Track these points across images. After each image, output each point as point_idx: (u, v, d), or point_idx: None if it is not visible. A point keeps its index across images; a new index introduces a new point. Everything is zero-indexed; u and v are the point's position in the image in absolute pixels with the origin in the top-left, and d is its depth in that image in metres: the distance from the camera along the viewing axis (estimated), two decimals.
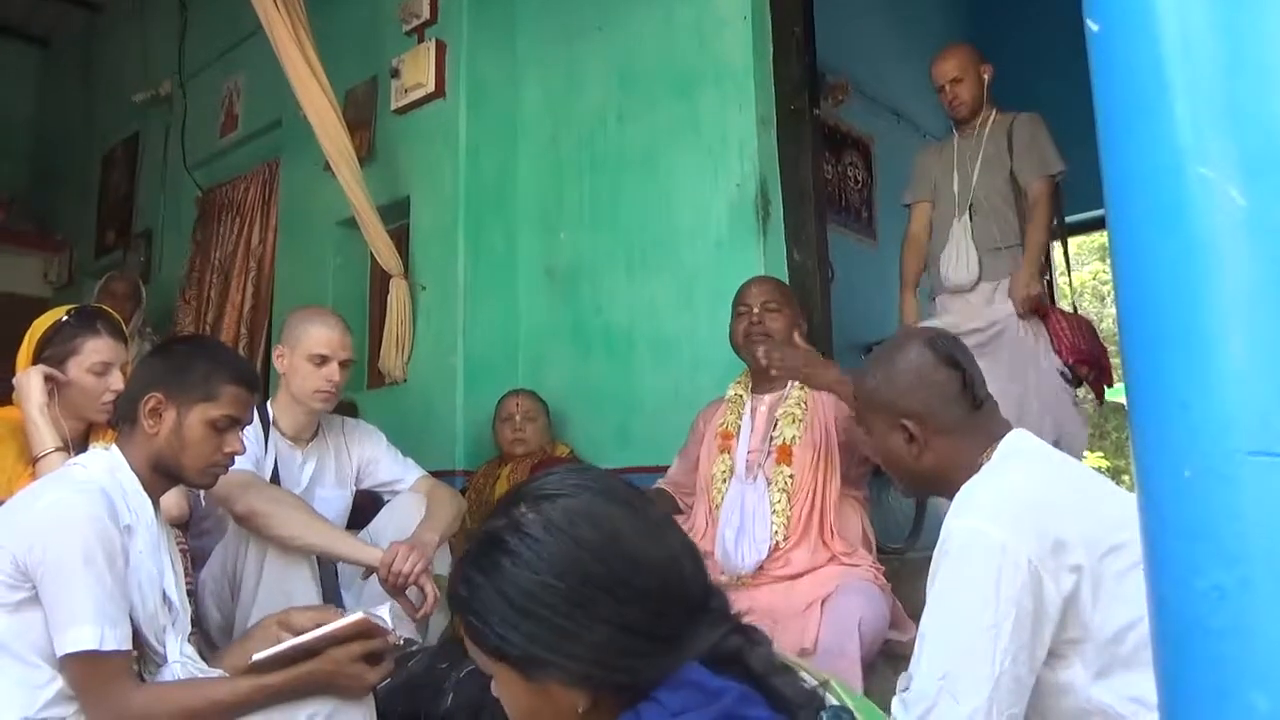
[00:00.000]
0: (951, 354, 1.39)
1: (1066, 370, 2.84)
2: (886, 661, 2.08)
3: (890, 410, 1.37)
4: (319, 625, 1.52)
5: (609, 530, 0.82)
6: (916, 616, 1.24)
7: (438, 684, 1.87)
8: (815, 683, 0.86)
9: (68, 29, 6.31)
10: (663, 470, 2.67)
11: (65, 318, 2.11)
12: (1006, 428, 1.37)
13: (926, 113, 4.37)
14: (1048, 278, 3.33)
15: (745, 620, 0.86)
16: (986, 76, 3.05)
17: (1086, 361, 2.85)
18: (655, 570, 0.81)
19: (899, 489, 1.52)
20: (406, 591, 1.99)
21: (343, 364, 2.28)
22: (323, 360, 2.25)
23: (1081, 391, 2.98)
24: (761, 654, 0.82)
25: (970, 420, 1.36)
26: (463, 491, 2.90)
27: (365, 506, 2.46)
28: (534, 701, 0.82)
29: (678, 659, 0.79)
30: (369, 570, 2.03)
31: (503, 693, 0.85)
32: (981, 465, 1.31)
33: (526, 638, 0.80)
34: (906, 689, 1.19)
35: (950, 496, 1.31)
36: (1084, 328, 2.92)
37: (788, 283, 2.87)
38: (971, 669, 1.12)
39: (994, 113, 3.06)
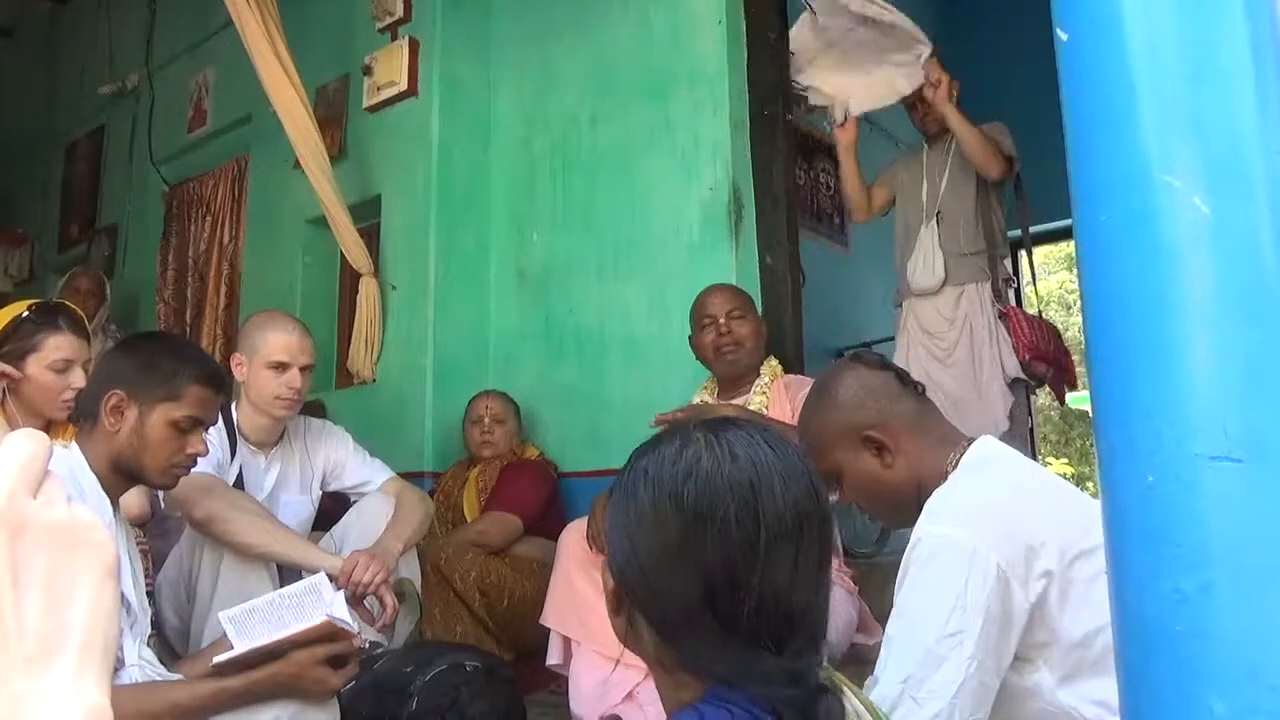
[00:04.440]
0: (877, 358, 1.44)
1: (1023, 369, 2.88)
2: (853, 665, 2.09)
3: (850, 432, 1.36)
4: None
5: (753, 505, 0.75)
6: (883, 621, 1.24)
7: (403, 687, 1.85)
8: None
9: (32, 17, 6.18)
10: None
11: (26, 313, 2.06)
12: (957, 432, 1.39)
13: (899, 121, 4.40)
14: (1014, 286, 3.38)
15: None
16: (953, 92, 3.10)
17: (1044, 359, 2.89)
18: (762, 575, 0.75)
19: (889, 522, 1.52)
20: (365, 601, 1.96)
21: (303, 370, 2.21)
22: (282, 367, 2.18)
23: (1046, 395, 3.03)
24: None
25: (924, 413, 1.38)
26: (431, 493, 2.88)
27: (333, 507, 2.43)
28: (624, 628, 0.81)
29: (729, 669, 0.73)
30: (329, 578, 2.00)
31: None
32: (949, 473, 1.32)
33: (630, 549, 0.78)
34: (871, 691, 1.19)
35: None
36: (1045, 329, 2.97)
37: (759, 287, 2.89)
38: (936, 674, 1.12)
39: None
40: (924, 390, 1.42)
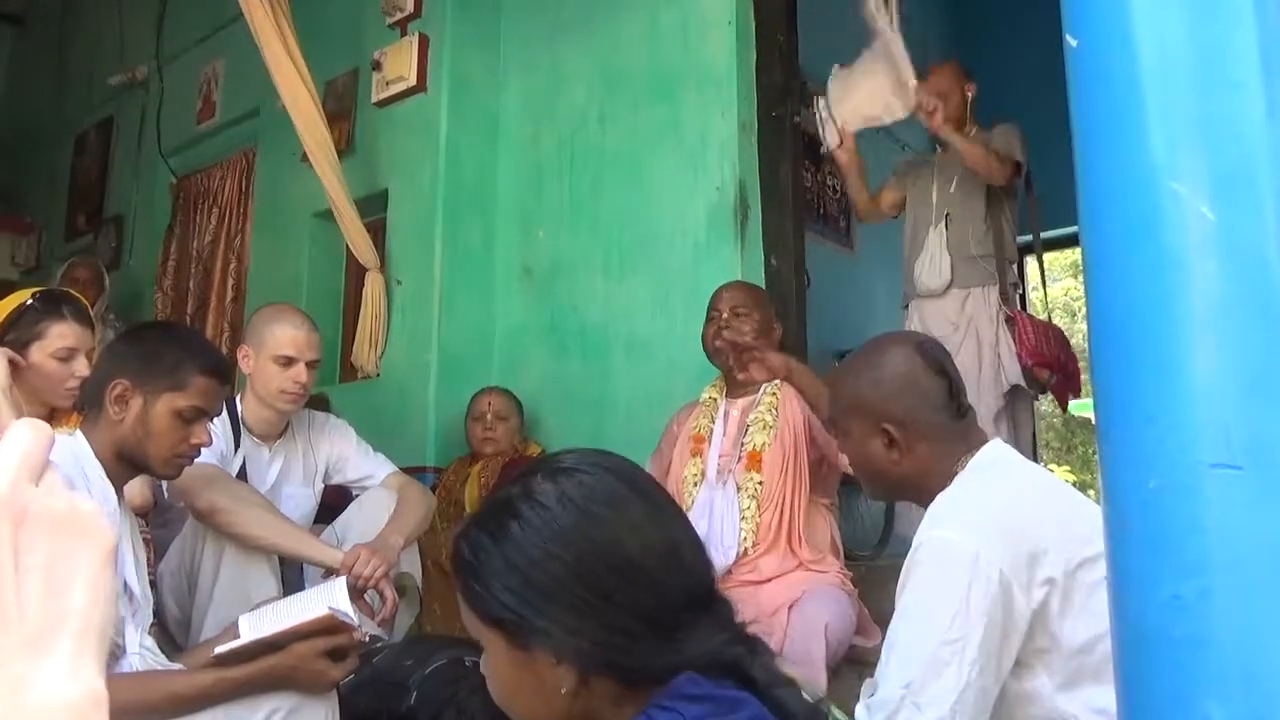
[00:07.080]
0: (940, 360, 1.37)
1: (1027, 373, 2.88)
2: (851, 667, 2.10)
3: (874, 415, 1.33)
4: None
5: (620, 510, 0.83)
6: (883, 623, 1.24)
7: (401, 681, 1.86)
8: (815, 699, 0.84)
9: (42, 7, 6.20)
10: None
11: (30, 301, 2.07)
12: (983, 437, 1.37)
13: (906, 126, 4.41)
14: (1020, 291, 3.37)
15: (749, 630, 0.84)
16: (970, 94, 3.10)
17: (1047, 365, 2.89)
18: (659, 555, 0.82)
19: (869, 493, 1.51)
20: (365, 595, 1.97)
21: (310, 365, 2.21)
22: (289, 361, 2.18)
23: (1048, 403, 3.03)
24: (765, 665, 0.80)
25: (951, 428, 1.34)
26: (433, 488, 2.89)
27: (335, 501, 2.43)
28: (520, 676, 0.82)
29: (675, 653, 0.77)
30: (330, 571, 2.00)
31: (489, 665, 0.85)
32: (955, 474, 1.31)
33: (522, 602, 0.80)
34: (871, 695, 1.19)
35: (921, 503, 1.31)
36: (1052, 334, 2.97)
37: (764, 288, 2.89)
38: (937, 680, 1.12)
39: (975, 129, 3.10)
40: (967, 412, 1.36)
